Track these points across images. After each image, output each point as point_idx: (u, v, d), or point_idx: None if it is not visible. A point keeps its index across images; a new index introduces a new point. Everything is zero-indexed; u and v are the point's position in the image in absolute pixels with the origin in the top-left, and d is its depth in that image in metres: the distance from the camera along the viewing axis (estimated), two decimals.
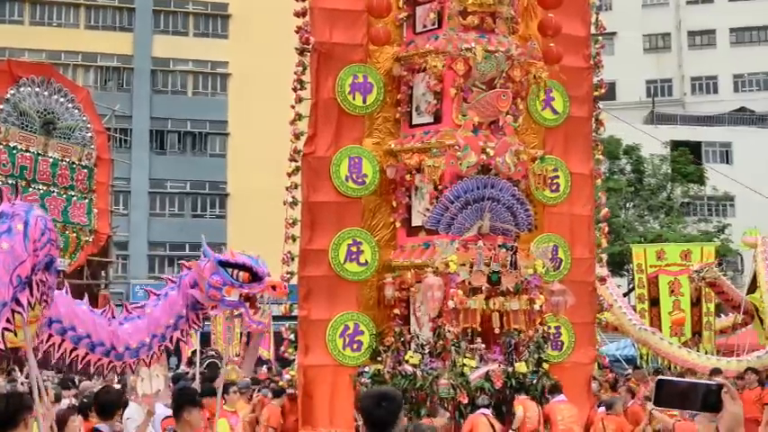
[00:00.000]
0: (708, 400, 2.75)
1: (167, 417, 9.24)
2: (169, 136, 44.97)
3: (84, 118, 26.34)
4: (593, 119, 14.12)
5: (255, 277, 5.88)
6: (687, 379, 3.01)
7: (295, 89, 11.75)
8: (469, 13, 12.04)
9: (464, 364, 10.70)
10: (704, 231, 49.96)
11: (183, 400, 7.19)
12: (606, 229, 14.85)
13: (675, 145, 53.72)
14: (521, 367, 11.15)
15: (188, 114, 44.49)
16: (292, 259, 11.45)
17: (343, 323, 11.51)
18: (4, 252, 4.36)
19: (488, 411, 10.32)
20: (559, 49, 13.00)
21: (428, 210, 11.35)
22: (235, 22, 46.12)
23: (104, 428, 7.37)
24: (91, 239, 25.36)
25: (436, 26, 12.16)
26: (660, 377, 2.91)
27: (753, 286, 21.47)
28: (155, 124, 44.26)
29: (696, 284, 22.12)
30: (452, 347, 10.74)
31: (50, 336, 5.29)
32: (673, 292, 23.03)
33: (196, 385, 12.51)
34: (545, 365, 11.60)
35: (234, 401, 10.84)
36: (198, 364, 17.22)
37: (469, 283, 10.94)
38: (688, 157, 52.78)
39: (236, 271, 5.89)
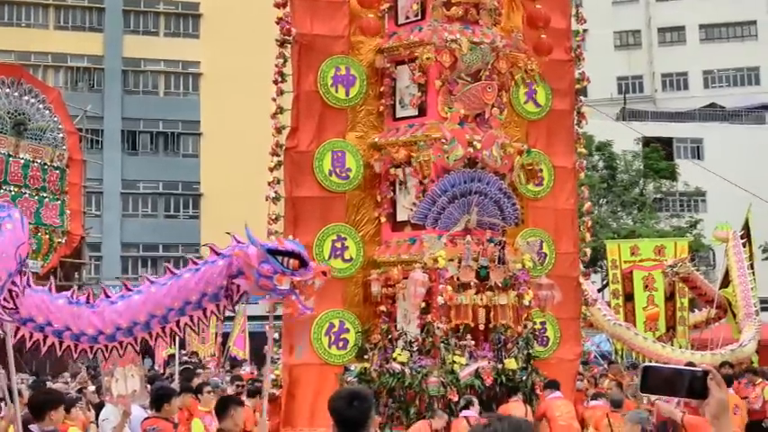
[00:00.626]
0: (693, 386, 2.78)
1: (147, 418, 9.05)
2: (141, 136, 44.61)
3: (56, 119, 26.02)
4: (576, 112, 13.97)
5: (303, 263, 5.68)
6: (673, 366, 2.97)
7: (276, 82, 11.46)
8: (453, 4, 11.85)
9: (454, 362, 10.47)
10: (677, 227, 50.26)
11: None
12: (589, 223, 14.72)
13: (647, 141, 54.04)
14: (510, 364, 10.95)
15: (160, 114, 44.17)
16: None
17: (329, 321, 11.23)
18: (9, 231, 4.70)
19: (471, 413, 10.01)
20: (549, 40, 12.89)
21: (415, 204, 11.12)
22: (206, 21, 45.84)
23: (35, 429, 7.03)
24: (63, 241, 25.06)
25: (419, 17, 11.94)
26: (646, 364, 2.96)
27: (725, 281, 21.64)
28: (126, 125, 43.89)
29: (670, 279, 22.35)
30: (442, 344, 10.51)
31: (31, 334, 5.28)
32: (647, 287, 23.15)
33: (175, 386, 12.31)
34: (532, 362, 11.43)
35: (208, 402, 10.55)
36: (177, 364, 17.01)
37: (458, 279, 10.73)
38: (660, 153, 53.10)
39: (285, 258, 5.62)
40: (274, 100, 11.38)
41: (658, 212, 51.37)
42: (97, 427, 10.71)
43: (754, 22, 67.96)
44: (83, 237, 26.61)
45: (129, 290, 5.77)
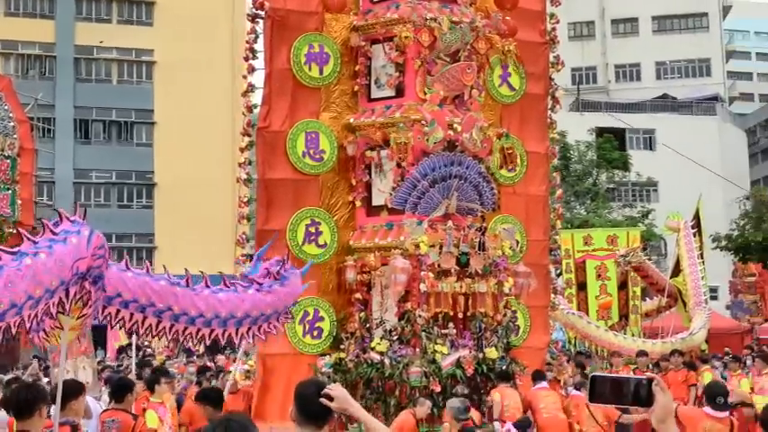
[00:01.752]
0: (639, 393, 2.88)
1: (106, 409, 8.64)
2: (94, 125, 43.74)
3: (6, 107, 25.38)
4: (550, 96, 13.70)
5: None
6: (618, 375, 3.13)
7: (247, 58, 10.96)
8: None
9: (435, 351, 10.07)
10: (629, 216, 50.72)
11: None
12: (560, 210, 14.47)
13: (600, 132, 54.31)
14: (491, 353, 10.60)
15: (113, 103, 43.38)
16: (247, 241, 10.67)
17: (303, 309, 10.73)
18: (72, 245, 5.08)
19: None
20: (514, 22, 12.57)
21: (394, 188, 10.69)
22: (159, 9, 45.14)
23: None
24: (14, 231, 24.39)
25: None
26: (594, 374, 3.03)
27: (676, 270, 21.97)
28: (79, 113, 43.00)
29: (622, 269, 22.66)
30: (423, 333, 10.10)
31: (132, 314, 5.54)
32: (599, 276, 23.27)
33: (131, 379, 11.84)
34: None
35: (162, 393, 10.04)
36: (134, 356, 16.52)
37: (438, 266, 10.32)
38: (613, 144, 53.46)
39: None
40: (245, 77, 10.89)
41: (611, 202, 51.81)
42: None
43: (706, 15, 68.68)
44: (34, 227, 25.90)
45: (228, 285, 5.97)
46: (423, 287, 10.08)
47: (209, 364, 18.02)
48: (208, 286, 5.84)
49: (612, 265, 23.04)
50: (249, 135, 10.80)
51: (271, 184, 10.79)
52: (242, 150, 10.88)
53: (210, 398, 7.64)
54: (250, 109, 10.91)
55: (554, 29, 13.91)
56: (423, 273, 10.12)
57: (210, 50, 43.24)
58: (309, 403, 3.89)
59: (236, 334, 5.94)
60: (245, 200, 10.69)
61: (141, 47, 44.63)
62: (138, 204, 43.32)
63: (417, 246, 10.21)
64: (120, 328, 5.68)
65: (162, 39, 43.78)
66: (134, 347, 16.81)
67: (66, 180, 41.33)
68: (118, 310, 5.50)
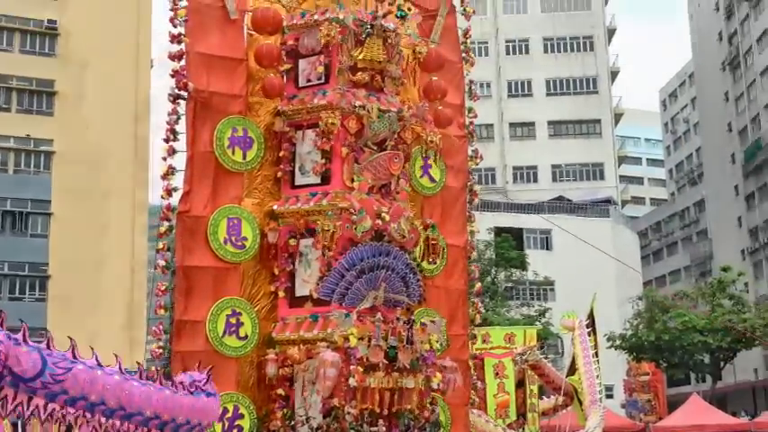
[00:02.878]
0: None
1: None
2: None
3: None
4: (468, 190, 13.65)
5: None
6: None
7: (167, 140, 10.47)
8: (359, 69, 11.26)
9: None
10: (526, 315, 51.24)
11: None
12: (479, 304, 14.29)
13: (499, 231, 55.12)
14: None
15: (8, 193, 42.18)
16: (165, 332, 10.02)
17: (222, 405, 10.04)
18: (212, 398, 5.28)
19: None
20: (447, 112, 12.55)
21: (321, 278, 10.26)
22: (61, 98, 44.51)
23: None
24: None
25: (323, 81, 11.25)
26: None
27: (572, 369, 22.09)
28: None
29: (519, 367, 22.59)
30: (351, 431, 9.55)
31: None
32: (498, 374, 23.20)
33: None
34: None
35: None
36: None
37: (367, 360, 9.87)
38: (511, 244, 54.29)
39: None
40: (165, 159, 10.39)
41: (509, 301, 52.32)
42: None
43: (599, 121, 71.21)
44: None
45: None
46: (352, 382, 9.60)
47: None
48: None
49: (510, 363, 23.08)
50: (169, 219, 10.25)
51: (190, 271, 10.22)
52: (160, 235, 10.31)
53: None
54: (170, 192, 10.38)
55: (471, 122, 13.96)
56: (352, 367, 9.65)
57: (110, 140, 42.70)
58: None
59: None
60: (163, 288, 10.07)
61: (40, 136, 43.93)
62: (30, 297, 41.86)
63: (346, 338, 9.76)
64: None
65: (62, 129, 43.22)
66: None
67: None
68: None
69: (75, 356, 4.98)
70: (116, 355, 5.62)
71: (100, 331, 36.37)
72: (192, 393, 5.46)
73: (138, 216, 44.38)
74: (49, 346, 5.11)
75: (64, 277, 40.61)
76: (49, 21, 44.95)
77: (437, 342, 10.93)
